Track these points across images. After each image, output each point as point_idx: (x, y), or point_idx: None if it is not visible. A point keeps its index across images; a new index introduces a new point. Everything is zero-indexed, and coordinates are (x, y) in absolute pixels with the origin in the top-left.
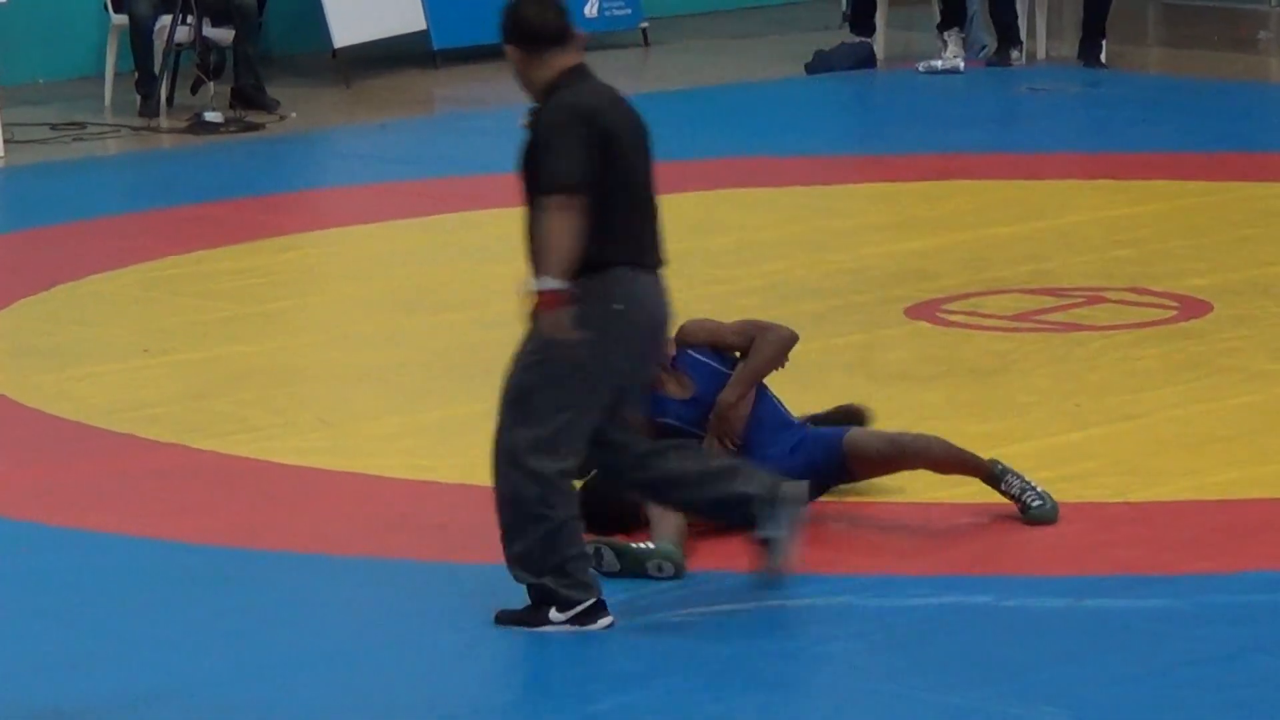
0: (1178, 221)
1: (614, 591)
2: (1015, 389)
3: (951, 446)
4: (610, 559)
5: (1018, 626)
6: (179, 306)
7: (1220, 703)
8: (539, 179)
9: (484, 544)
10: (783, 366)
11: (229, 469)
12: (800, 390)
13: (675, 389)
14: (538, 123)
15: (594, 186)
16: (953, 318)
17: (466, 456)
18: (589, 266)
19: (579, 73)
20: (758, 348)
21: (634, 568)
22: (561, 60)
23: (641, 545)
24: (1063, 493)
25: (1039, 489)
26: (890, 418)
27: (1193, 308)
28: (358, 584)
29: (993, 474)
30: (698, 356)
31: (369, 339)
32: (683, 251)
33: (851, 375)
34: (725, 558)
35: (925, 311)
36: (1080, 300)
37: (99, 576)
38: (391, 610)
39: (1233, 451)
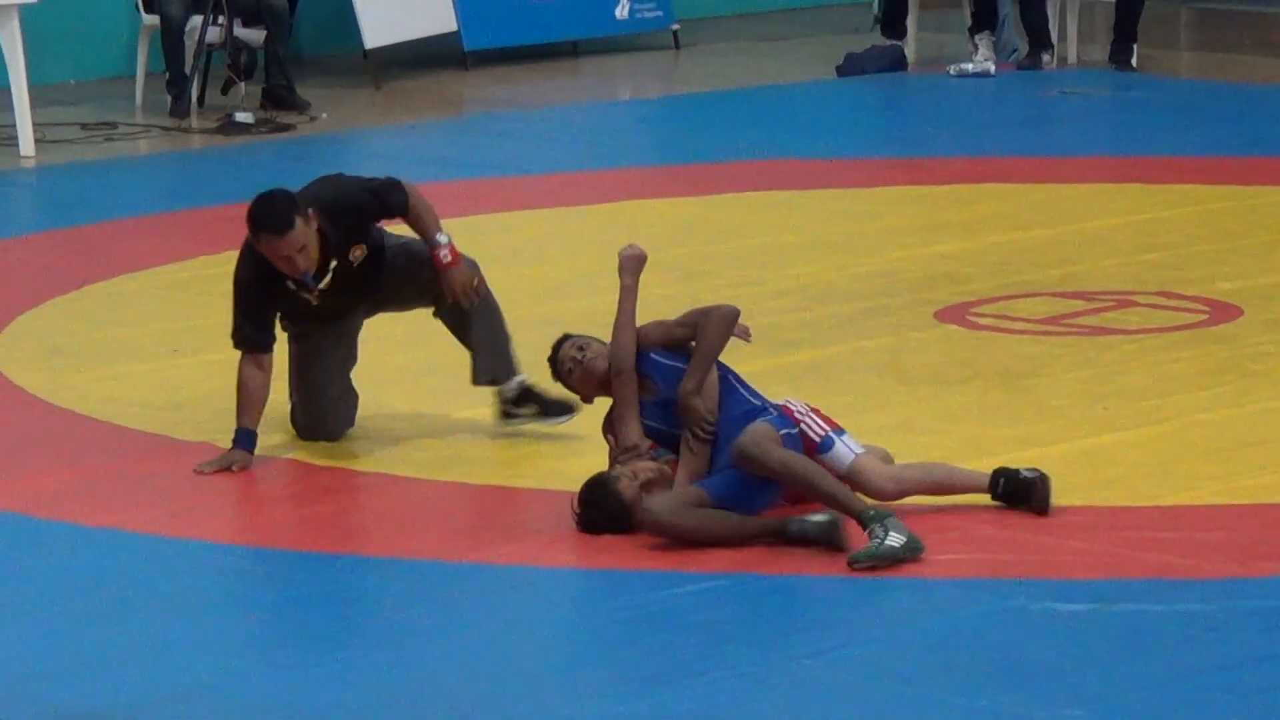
0: (1208, 226)
1: (640, 591)
2: (1045, 392)
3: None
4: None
5: (1046, 630)
6: (210, 307)
7: (1250, 707)
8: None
9: (521, 546)
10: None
11: (260, 470)
12: (829, 393)
13: (646, 394)
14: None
15: None
16: (983, 321)
17: (495, 458)
18: None
19: None
20: (702, 331)
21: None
22: None
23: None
24: (1092, 496)
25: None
26: (919, 421)
27: (1223, 312)
28: (390, 585)
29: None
30: (657, 359)
31: (399, 340)
32: (712, 254)
33: (881, 378)
34: (753, 561)
35: (955, 314)
36: (1110, 304)
37: (131, 577)
38: (421, 611)
39: (1263, 456)
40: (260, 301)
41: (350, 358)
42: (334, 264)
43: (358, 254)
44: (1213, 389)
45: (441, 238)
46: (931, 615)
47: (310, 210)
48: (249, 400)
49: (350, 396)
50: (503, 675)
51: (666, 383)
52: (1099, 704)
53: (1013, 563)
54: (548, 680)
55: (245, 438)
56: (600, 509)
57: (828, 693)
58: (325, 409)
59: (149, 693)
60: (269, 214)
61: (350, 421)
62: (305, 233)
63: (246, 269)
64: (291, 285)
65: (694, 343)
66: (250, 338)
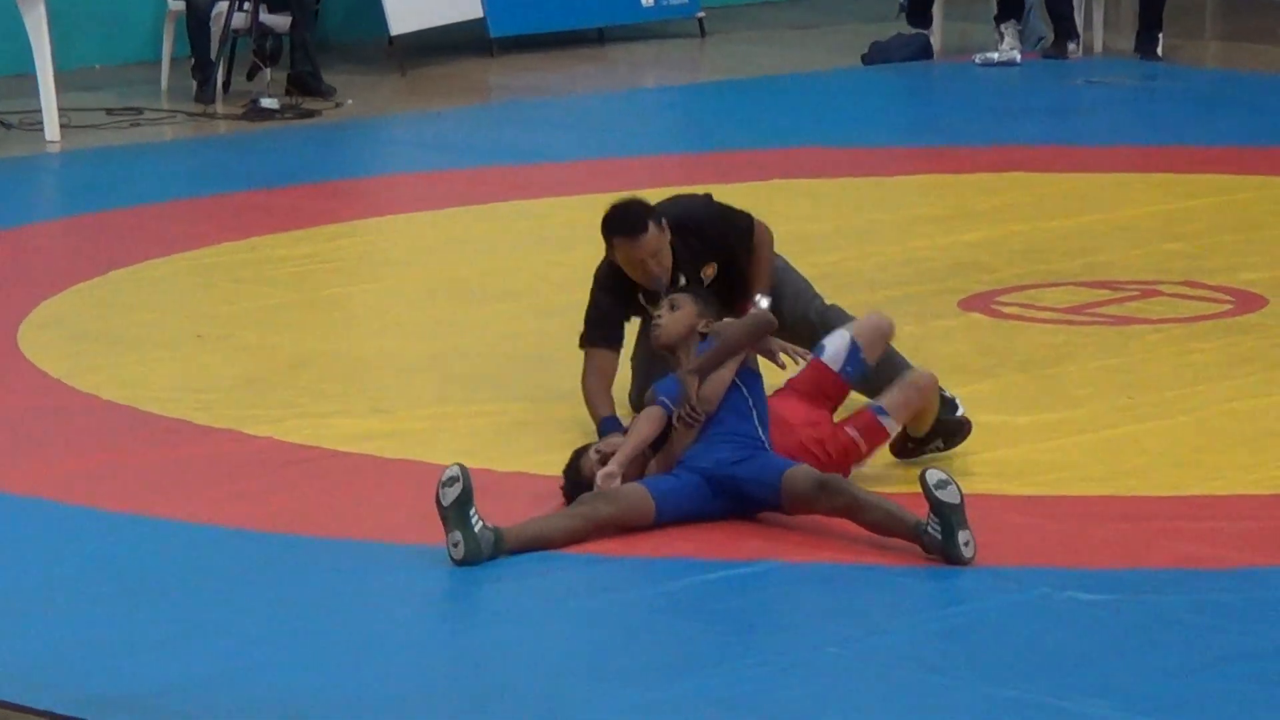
0: (1233, 216)
1: (663, 579)
2: (1069, 382)
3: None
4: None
5: (1070, 619)
6: (234, 293)
7: (1273, 697)
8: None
9: None
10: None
11: (283, 455)
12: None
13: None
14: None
15: None
16: (1007, 310)
17: (521, 445)
18: None
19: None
20: (731, 326)
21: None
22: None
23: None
24: (1116, 486)
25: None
26: None
27: (1247, 302)
28: (412, 571)
29: (918, 537)
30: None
31: (424, 326)
32: None
33: None
34: (775, 549)
35: (980, 303)
36: (1135, 294)
37: (153, 562)
38: (445, 597)
39: None
40: (612, 299)
41: None
42: (682, 279)
43: (709, 272)
44: (1237, 379)
45: (762, 301)
46: (955, 604)
47: (663, 220)
48: (592, 396)
49: None
50: (523, 663)
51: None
52: (1123, 693)
53: (1037, 551)
54: (569, 668)
55: (610, 424)
56: (568, 480)
57: (851, 681)
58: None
59: (171, 679)
60: (623, 217)
61: None
62: (659, 239)
63: (604, 268)
64: (642, 299)
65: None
66: (591, 335)
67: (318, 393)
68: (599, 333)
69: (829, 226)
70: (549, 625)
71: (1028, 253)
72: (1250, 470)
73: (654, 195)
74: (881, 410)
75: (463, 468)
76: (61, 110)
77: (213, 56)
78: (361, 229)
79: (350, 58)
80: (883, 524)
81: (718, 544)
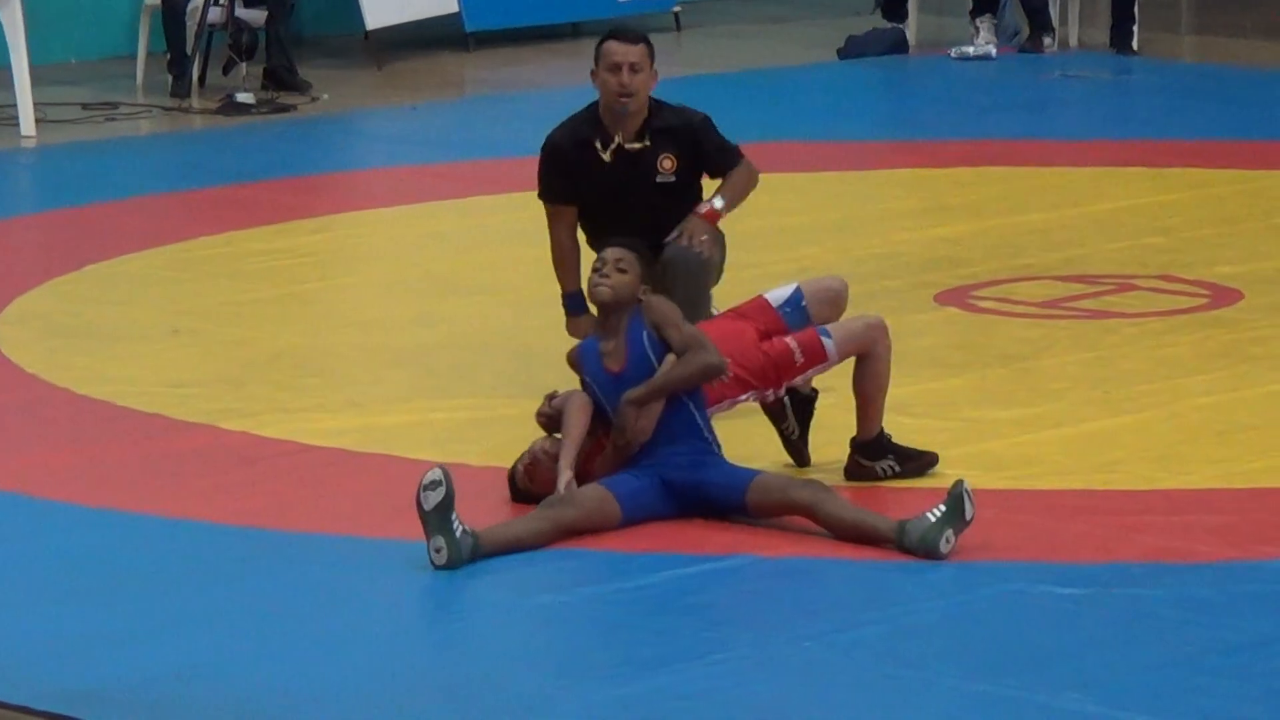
0: (1209, 209)
1: (638, 574)
2: (1045, 376)
3: (854, 511)
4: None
5: (1045, 614)
6: (210, 287)
7: (1249, 691)
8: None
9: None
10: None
11: (260, 450)
12: (829, 375)
13: (611, 357)
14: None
15: None
16: (983, 304)
17: (496, 440)
18: None
19: None
20: (681, 363)
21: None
22: None
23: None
24: (1091, 480)
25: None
26: (919, 404)
27: (1223, 296)
28: (388, 567)
29: (892, 538)
30: (645, 336)
31: (400, 321)
32: None
33: None
34: (751, 543)
35: (956, 298)
36: (1111, 288)
37: (130, 557)
38: (420, 592)
39: (1263, 440)
40: (566, 157)
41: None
42: (646, 142)
43: (667, 165)
44: (1213, 373)
45: (718, 201)
46: (931, 598)
47: (655, 69)
48: (564, 259)
49: None
50: (497, 657)
51: (631, 366)
52: (1098, 688)
53: (1012, 545)
54: (543, 663)
55: (576, 301)
56: (510, 485)
57: (827, 675)
58: None
59: (148, 673)
60: (627, 28)
61: None
62: (645, 61)
63: (557, 132)
64: (598, 145)
65: (670, 355)
66: (553, 187)
67: (294, 387)
68: (556, 186)
69: (805, 221)
70: (523, 620)
71: (1003, 247)
72: (1225, 464)
73: None
74: (825, 332)
75: (445, 471)
76: (37, 105)
77: (188, 51)
78: (338, 223)
79: (326, 52)
80: (856, 524)
81: (691, 538)
